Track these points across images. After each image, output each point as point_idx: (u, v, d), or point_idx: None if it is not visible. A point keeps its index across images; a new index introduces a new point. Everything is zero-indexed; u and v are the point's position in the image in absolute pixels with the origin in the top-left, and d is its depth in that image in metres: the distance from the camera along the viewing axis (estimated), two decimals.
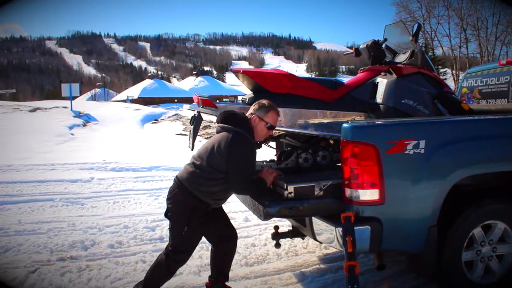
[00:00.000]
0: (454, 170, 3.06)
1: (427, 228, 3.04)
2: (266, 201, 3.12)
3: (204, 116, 3.80)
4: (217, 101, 3.66)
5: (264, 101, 3.33)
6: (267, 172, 3.29)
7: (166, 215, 3.34)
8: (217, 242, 3.48)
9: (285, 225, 4.65)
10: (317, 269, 4.09)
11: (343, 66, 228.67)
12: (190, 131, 3.94)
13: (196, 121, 3.75)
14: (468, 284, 3.25)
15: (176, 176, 3.30)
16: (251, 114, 3.30)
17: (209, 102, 3.60)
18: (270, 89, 3.58)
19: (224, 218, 3.53)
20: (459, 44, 36.92)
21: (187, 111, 4.13)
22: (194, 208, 3.17)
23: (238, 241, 4.73)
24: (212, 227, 3.40)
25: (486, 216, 3.25)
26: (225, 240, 3.46)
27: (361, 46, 4.22)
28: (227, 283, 3.54)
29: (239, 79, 3.71)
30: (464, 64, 36.42)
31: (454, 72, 36.78)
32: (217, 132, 3.30)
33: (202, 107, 3.65)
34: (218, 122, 3.33)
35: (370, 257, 4.16)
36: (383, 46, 4.13)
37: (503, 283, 3.36)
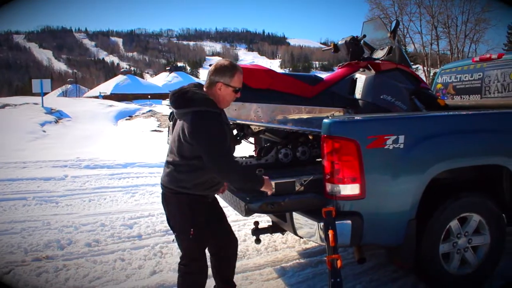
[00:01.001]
0: (432, 164, 3.11)
1: (407, 221, 3.09)
2: (248, 197, 3.12)
3: None
4: None
5: (225, 63, 2.88)
6: (268, 181, 2.91)
7: (169, 225, 3.04)
8: (218, 248, 3.17)
9: (263, 220, 4.67)
10: (297, 263, 4.11)
11: (317, 62, 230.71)
12: (169, 127, 3.90)
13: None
14: (445, 276, 3.32)
15: (160, 182, 2.99)
16: (214, 82, 2.81)
17: None
18: (250, 85, 3.56)
19: (224, 221, 3.21)
20: (430, 41, 37.74)
21: (161, 107, 4.08)
22: (192, 205, 2.83)
23: None
24: (213, 231, 3.07)
25: (462, 209, 3.33)
26: (228, 247, 3.20)
27: (339, 42, 4.26)
28: None
29: None
30: (435, 61, 37.23)
31: (425, 68, 37.51)
32: (175, 120, 2.93)
33: None
34: (173, 107, 2.88)
35: (349, 251, 4.21)
36: (362, 42, 4.17)
37: (478, 273, 3.45)
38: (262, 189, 2.89)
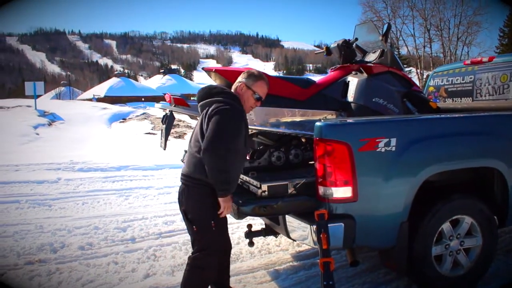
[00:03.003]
0: (424, 167, 3.14)
1: (399, 224, 3.11)
2: (240, 200, 3.12)
3: (176, 115, 3.77)
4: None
5: (254, 70, 3.15)
6: (230, 200, 2.90)
7: (186, 218, 3.01)
8: (223, 252, 3.15)
9: (257, 223, 4.67)
10: (290, 266, 4.12)
11: (310, 65, 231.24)
12: (162, 130, 3.90)
13: (168, 120, 3.71)
14: (438, 277, 3.34)
15: (182, 173, 3.03)
16: (239, 82, 3.06)
17: (181, 101, 3.57)
18: None
19: (226, 227, 3.17)
20: (423, 43, 38.02)
21: (155, 110, 4.07)
22: (214, 197, 2.86)
23: None
24: None
25: (454, 211, 3.36)
26: (227, 251, 3.23)
27: (332, 45, 4.27)
28: None
29: (211, 77, 3.70)
30: (428, 63, 37.48)
31: (418, 71, 37.72)
32: (201, 112, 3.01)
33: (174, 106, 3.62)
34: (198, 101, 3.05)
35: (342, 254, 4.22)
36: (354, 45, 4.19)
37: (470, 275, 3.47)
38: (220, 201, 2.83)
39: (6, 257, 4.36)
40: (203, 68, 3.72)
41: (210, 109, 2.85)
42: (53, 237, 4.96)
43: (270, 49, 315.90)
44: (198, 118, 3.15)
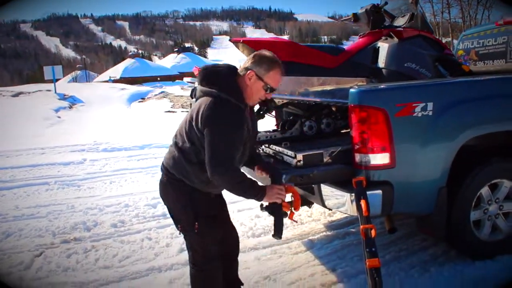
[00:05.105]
0: (462, 131, 3.06)
1: (437, 189, 3.05)
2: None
3: None
4: None
5: (267, 53, 2.50)
6: (274, 189, 2.55)
7: (171, 217, 2.73)
8: (229, 250, 2.86)
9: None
10: (324, 236, 4.11)
11: (325, 36, 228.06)
12: (191, 105, 3.88)
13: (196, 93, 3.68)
14: (477, 242, 3.30)
15: (162, 163, 2.65)
16: (247, 68, 2.47)
17: None
18: None
19: (229, 218, 2.94)
20: (441, 9, 36.88)
21: (173, 89, 4.03)
22: (193, 196, 2.53)
23: (243, 212, 4.75)
24: (223, 229, 2.76)
25: (493, 175, 3.29)
26: (232, 247, 2.93)
27: (359, 11, 4.15)
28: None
29: (239, 49, 3.63)
30: (447, 30, 36.45)
31: (437, 37, 36.84)
32: (197, 98, 2.54)
33: None
34: (198, 84, 2.55)
35: (376, 222, 4.18)
36: (382, 10, 4.07)
37: (509, 240, 3.41)
38: (266, 200, 2.53)
39: (43, 236, 4.45)
40: (230, 40, 3.65)
41: (205, 109, 2.36)
42: (85, 216, 5.04)
43: (284, 22, 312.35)
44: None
